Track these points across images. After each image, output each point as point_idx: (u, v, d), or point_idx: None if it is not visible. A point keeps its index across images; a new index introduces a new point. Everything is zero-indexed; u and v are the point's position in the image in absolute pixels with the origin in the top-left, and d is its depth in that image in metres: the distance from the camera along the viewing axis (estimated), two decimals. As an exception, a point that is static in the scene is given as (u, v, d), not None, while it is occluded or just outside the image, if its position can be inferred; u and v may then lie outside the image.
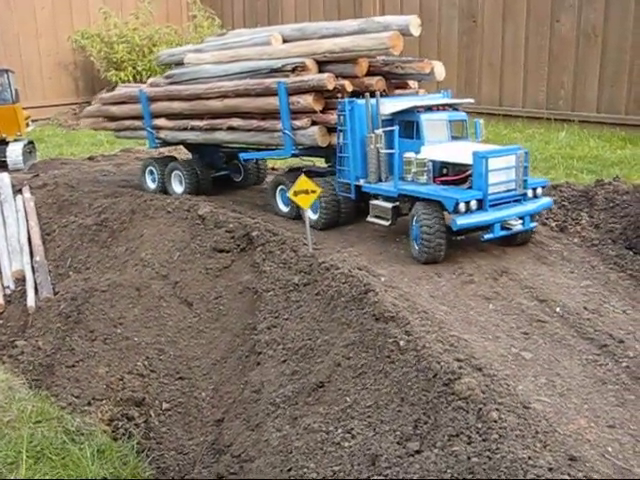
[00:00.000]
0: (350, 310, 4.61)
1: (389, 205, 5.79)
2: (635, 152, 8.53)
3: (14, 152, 10.34)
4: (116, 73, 14.98)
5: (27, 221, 7.94)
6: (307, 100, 6.24)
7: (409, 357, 3.93)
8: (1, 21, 14.88)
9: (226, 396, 5.27)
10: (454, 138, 5.92)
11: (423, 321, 4.27)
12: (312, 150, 6.66)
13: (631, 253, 5.51)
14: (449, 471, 3.23)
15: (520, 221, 5.47)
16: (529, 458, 3.04)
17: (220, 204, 7.24)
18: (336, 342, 4.50)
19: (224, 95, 7.07)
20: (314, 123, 6.36)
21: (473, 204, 5.19)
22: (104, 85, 15.33)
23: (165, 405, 5.47)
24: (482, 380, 3.58)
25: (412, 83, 6.87)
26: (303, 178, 5.64)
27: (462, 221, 5.15)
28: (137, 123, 8.26)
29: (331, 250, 5.71)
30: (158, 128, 8.01)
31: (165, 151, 9.45)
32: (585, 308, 4.66)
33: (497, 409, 3.35)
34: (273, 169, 9.15)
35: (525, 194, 5.48)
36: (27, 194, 8.40)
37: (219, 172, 8.37)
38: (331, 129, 6.32)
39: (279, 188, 6.91)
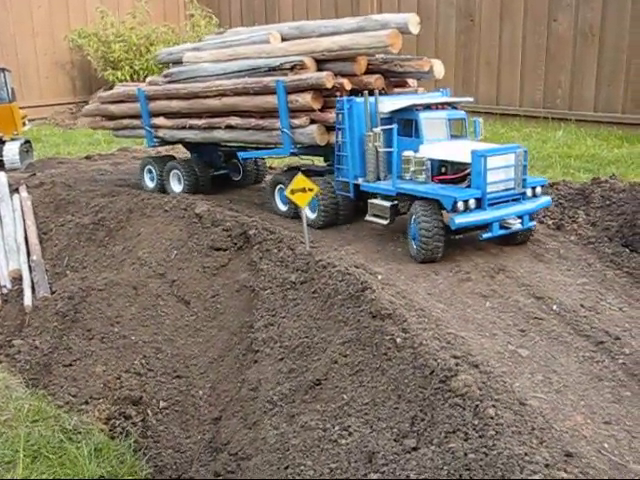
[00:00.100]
0: (347, 308, 4.61)
1: (387, 204, 5.77)
2: (632, 151, 8.55)
3: (11, 151, 10.33)
4: (113, 72, 14.98)
5: (24, 220, 7.92)
6: (306, 99, 6.23)
7: (406, 354, 3.94)
8: (-2, 20, 14.91)
9: (223, 394, 5.27)
10: (453, 137, 5.89)
11: (420, 318, 4.28)
12: (311, 149, 6.65)
13: (627, 251, 5.52)
14: (446, 468, 3.23)
15: (519, 220, 5.44)
16: (525, 454, 3.04)
17: (217, 203, 7.23)
18: (333, 340, 4.50)
19: (222, 94, 7.06)
20: (313, 122, 6.35)
21: (472, 203, 5.17)
22: (101, 84, 15.32)
23: (162, 404, 5.47)
24: (479, 377, 3.58)
25: (411, 81, 6.86)
26: (300, 176, 5.63)
27: (461, 220, 5.14)
28: (136, 122, 8.24)
29: (328, 248, 5.71)
30: (157, 127, 7.99)
31: (163, 150, 9.44)
32: (582, 305, 4.66)
33: (494, 406, 3.35)
34: (271, 168, 9.15)
35: (524, 193, 5.45)
36: (24, 193, 8.38)
37: (218, 171, 8.35)
38: (330, 128, 6.31)
39: (278, 187, 6.90)
